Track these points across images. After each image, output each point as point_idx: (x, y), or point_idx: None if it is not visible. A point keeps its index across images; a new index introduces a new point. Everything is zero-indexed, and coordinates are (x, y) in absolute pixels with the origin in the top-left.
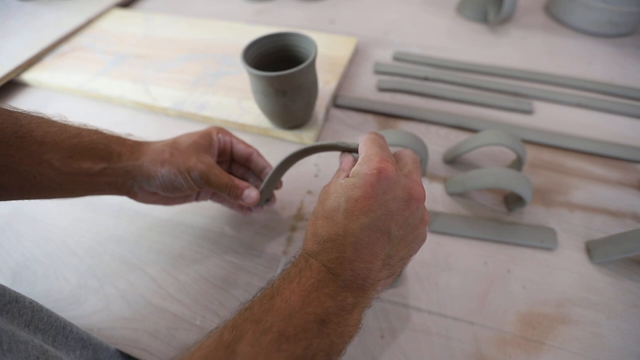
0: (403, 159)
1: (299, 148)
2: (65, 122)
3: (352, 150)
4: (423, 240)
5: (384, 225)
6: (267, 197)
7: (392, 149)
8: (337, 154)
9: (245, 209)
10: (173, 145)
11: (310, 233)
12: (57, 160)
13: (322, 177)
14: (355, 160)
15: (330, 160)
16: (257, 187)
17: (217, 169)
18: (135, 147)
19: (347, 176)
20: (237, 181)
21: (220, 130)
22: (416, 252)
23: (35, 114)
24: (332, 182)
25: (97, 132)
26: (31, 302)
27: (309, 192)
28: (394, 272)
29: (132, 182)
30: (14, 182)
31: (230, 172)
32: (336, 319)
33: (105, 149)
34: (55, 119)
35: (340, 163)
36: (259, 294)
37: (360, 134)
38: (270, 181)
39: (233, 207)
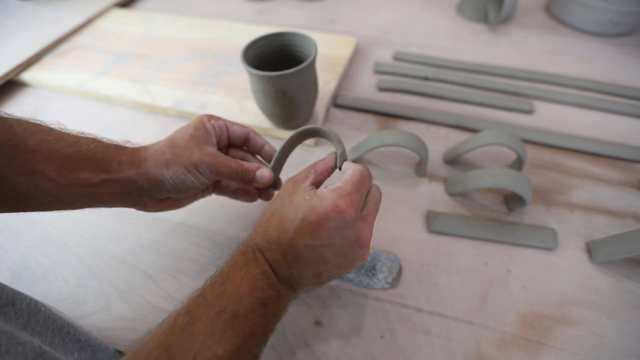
0: (369, 197)
1: (304, 128)
2: (62, 130)
3: (340, 165)
4: (356, 268)
5: (324, 252)
6: (275, 180)
7: (391, 150)
8: None
9: (252, 194)
10: (171, 144)
11: (262, 226)
12: (52, 171)
13: None
14: (332, 169)
15: None
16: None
17: (223, 157)
18: (134, 154)
19: (314, 182)
20: (246, 164)
21: (212, 117)
22: (341, 276)
23: (32, 122)
24: (299, 185)
25: (94, 141)
26: (29, 304)
27: None
28: (321, 283)
29: (139, 192)
30: (6, 193)
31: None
32: (273, 303)
33: (103, 159)
34: (52, 126)
35: (317, 163)
36: (209, 282)
37: (361, 133)
38: (278, 162)
39: (237, 196)
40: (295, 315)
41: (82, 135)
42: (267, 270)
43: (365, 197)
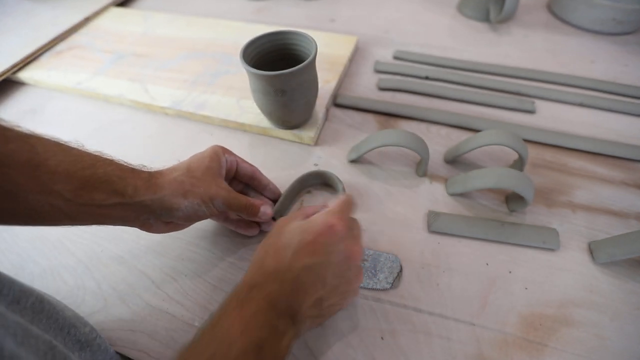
0: (353, 224)
1: (316, 169)
2: (81, 150)
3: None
4: (355, 295)
5: (322, 272)
6: (282, 214)
7: (392, 149)
8: (337, 156)
9: (253, 227)
10: (189, 173)
11: (257, 264)
12: (69, 192)
13: None
14: (316, 211)
15: (330, 161)
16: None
17: (234, 192)
18: (150, 180)
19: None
20: (253, 200)
21: (225, 150)
22: (346, 304)
23: (53, 141)
24: (290, 220)
25: (112, 163)
26: (34, 302)
27: (309, 192)
28: (322, 315)
29: (148, 216)
30: (21, 209)
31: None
32: (270, 343)
33: (120, 182)
34: (72, 145)
35: (305, 207)
36: (201, 328)
37: (361, 133)
38: (287, 198)
39: (239, 228)
40: None
41: (100, 157)
42: (263, 308)
43: (351, 222)
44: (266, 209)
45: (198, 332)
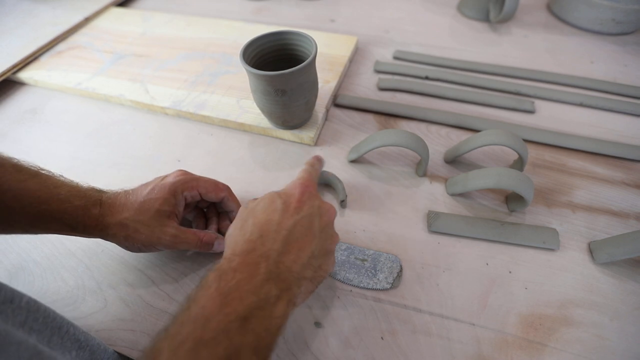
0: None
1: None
2: (40, 182)
3: (345, 204)
4: (332, 264)
5: (310, 223)
6: None
7: (392, 149)
8: (337, 156)
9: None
10: (136, 216)
11: (236, 239)
12: (26, 224)
13: None
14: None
15: (330, 161)
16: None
17: (183, 234)
18: (98, 219)
19: None
20: (206, 237)
21: (187, 186)
22: (331, 267)
23: (10, 166)
24: (253, 200)
25: (66, 201)
26: (27, 301)
27: None
28: (315, 278)
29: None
30: None
31: (197, 205)
32: (260, 312)
33: (71, 220)
34: (30, 170)
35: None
36: (175, 314)
37: (361, 133)
38: None
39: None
40: (295, 316)
41: (55, 192)
42: (247, 276)
43: None
44: (220, 244)
45: (172, 316)
